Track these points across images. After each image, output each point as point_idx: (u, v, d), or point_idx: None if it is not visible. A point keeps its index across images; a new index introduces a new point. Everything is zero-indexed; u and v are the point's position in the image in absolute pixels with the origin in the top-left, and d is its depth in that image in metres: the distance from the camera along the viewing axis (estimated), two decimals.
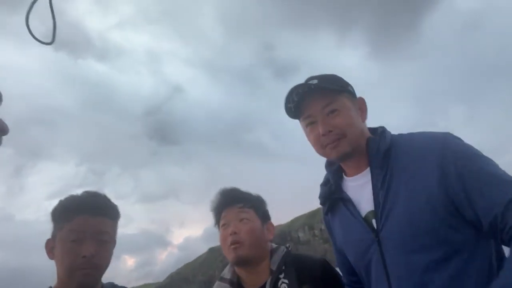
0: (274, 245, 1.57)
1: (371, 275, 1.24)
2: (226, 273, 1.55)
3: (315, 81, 1.27)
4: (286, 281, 1.41)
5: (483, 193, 1.05)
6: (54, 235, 1.28)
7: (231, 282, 1.50)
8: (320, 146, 1.29)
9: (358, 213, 1.26)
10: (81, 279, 1.21)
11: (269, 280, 1.42)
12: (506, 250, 1.15)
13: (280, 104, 1.33)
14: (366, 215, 1.24)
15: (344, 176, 1.37)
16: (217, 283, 1.54)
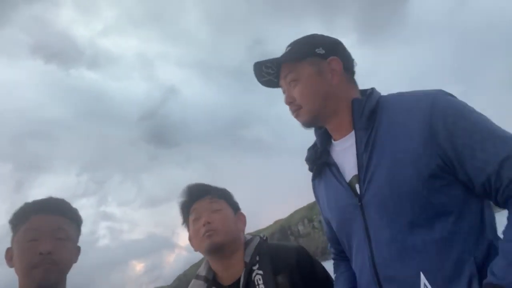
0: (248, 237, 1.52)
1: (353, 242, 1.18)
2: (202, 270, 1.49)
3: (278, 58, 1.27)
4: (260, 272, 1.36)
5: (475, 151, 0.96)
6: (12, 241, 1.24)
7: (205, 279, 1.45)
8: (292, 114, 1.29)
9: (343, 178, 1.19)
10: (41, 276, 1.15)
11: (243, 273, 1.36)
12: (500, 214, 1.07)
13: (276, 99, 1.34)
14: (350, 180, 1.17)
15: (332, 140, 1.30)
16: (193, 281, 1.49)
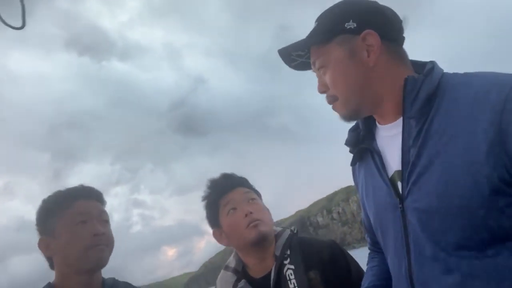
0: (278, 229, 1.47)
1: (389, 244, 1.04)
2: (231, 261, 1.46)
3: (301, 41, 1.06)
4: (292, 266, 1.31)
5: None
6: (50, 229, 1.22)
7: (235, 271, 1.42)
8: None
9: (385, 171, 1.02)
10: (98, 256, 1.20)
11: (274, 267, 1.32)
12: None
13: (303, 87, 1.17)
14: (393, 175, 1.00)
15: (377, 124, 1.09)
16: (222, 272, 1.46)
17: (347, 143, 1.17)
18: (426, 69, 0.95)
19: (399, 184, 0.96)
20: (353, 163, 1.20)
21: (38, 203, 1.29)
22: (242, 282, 1.36)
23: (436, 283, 0.88)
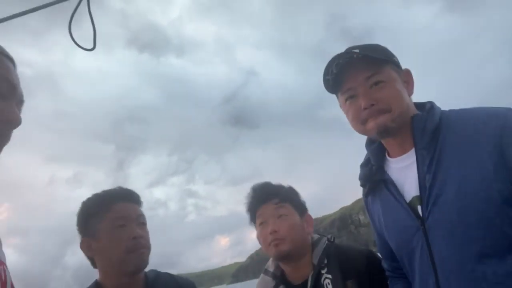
0: (315, 236, 1.53)
1: (415, 265, 1.12)
2: (270, 265, 1.54)
3: (357, 51, 1.11)
4: (329, 276, 1.35)
5: None
6: (92, 231, 1.28)
7: (274, 276, 1.49)
8: (360, 121, 1.14)
9: (402, 197, 1.13)
10: (138, 259, 1.24)
11: (310, 275, 1.38)
12: None
13: None
14: (411, 200, 1.11)
15: (387, 157, 1.22)
16: (261, 276, 1.54)
17: (361, 177, 1.30)
18: (426, 108, 1.14)
19: (419, 208, 1.08)
20: (366, 195, 1.33)
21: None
22: (281, 287, 1.44)
23: None
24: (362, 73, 1.11)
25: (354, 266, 1.37)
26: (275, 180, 1.57)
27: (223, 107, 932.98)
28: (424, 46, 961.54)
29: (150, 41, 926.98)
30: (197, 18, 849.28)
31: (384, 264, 1.38)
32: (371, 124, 1.12)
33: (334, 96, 1.26)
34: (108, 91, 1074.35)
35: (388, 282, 1.37)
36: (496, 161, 0.96)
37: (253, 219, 1.55)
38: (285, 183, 1.58)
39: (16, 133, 0.75)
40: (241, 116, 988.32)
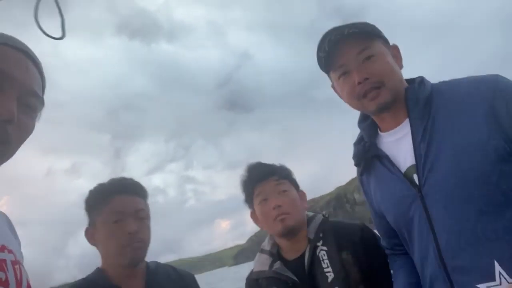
0: (310, 214, 1.56)
1: (414, 234, 1.14)
2: (266, 244, 1.57)
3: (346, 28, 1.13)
4: (324, 248, 1.40)
5: None
6: (92, 222, 1.33)
7: (270, 253, 1.52)
8: (356, 97, 1.15)
9: (397, 169, 1.15)
10: (133, 254, 1.27)
11: (307, 249, 1.42)
12: None
13: None
14: (406, 171, 1.13)
15: (379, 132, 1.25)
16: (258, 254, 1.57)
17: (355, 156, 1.31)
18: (417, 81, 1.17)
19: (415, 177, 1.10)
20: (361, 173, 1.34)
21: (102, 180, 1.39)
22: (278, 263, 1.46)
23: (466, 253, 1.01)
24: (353, 49, 1.13)
25: (348, 238, 1.41)
26: (275, 160, 1.57)
27: (217, 92, 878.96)
28: (417, 21, 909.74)
29: (140, 27, 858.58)
30: (186, 1, 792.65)
31: (383, 242, 1.40)
32: (370, 103, 1.14)
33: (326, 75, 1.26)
34: (100, 79, 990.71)
35: (388, 260, 1.39)
36: (489, 121, 1.00)
37: (249, 198, 1.56)
38: (285, 163, 1.59)
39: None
40: (236, 100, 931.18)
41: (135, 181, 1.40)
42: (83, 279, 1.32)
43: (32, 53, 0.78)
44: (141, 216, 1.32)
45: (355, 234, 1.43)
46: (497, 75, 1.06)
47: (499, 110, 1.00)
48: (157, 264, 1.43)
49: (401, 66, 1.20)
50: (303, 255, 1.43)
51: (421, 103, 1.11)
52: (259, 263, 1.53)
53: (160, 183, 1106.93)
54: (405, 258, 1.28)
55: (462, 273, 1.02)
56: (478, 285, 0.98)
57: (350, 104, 1.21)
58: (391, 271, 1.38)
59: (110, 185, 1.35)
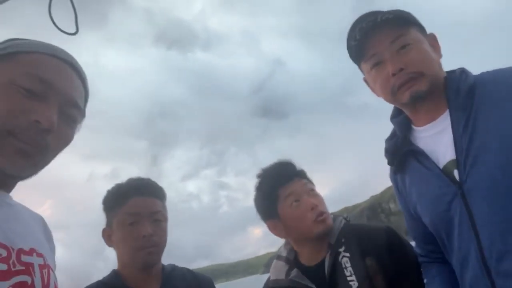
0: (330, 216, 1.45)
1: (453, 236, 1.02)
2: (282, 250, 1.48)
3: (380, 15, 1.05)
4: (347, 254, 1.29)
5: None
6: (109, 222, 1.32)
7: (287, 260, 1.42)
8: (390, 90, 1.06)
9: (435, 165, 1.04)
10: (146, 258, 1.25)
11: (328, 255, 1.31)
12: None
13: None
14: (445, 166, 1.02)
15: (413, 127, 1.14)
16: (274, 261, 1.47)
17: (387, 152, 1.20)
18: (457, 72, 1.07)
19: (456, 172, 1.00)
20: (394, 172, 1.23)
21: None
22: (295, 271, 1.35)
23: (510, 255, 0.90)
24: (387, 37, 1.04)
25: (373, 242, 1.29)
26: (307, 168, 1.46)
27: (251, 99, 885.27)
28: (458, 24, 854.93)
29: (177, 37, 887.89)
30: (220, 10, 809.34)
31: (417, 249, 1.30)
32: (404, 93, 1.05)
33: (363, 82, 1.20)
34: (138, 88, 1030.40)
35: (420, 268, 1.29)
36: None
37: (272, 204, 1.40)
38: (316, 172, 1.53)
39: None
40: (270, 107, 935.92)
41: (152, 182, 1.37)
42: (99, 281, 1.32)
43: (79, 65, 0.83)
44: (157, 218, 1.30)
45: (380, 238, 1.31)
46: None
47: None
48: (174, 267, 1.41)
49: (440, 56, 1.10)
50: (323, 262, 1.32)
51: (463, 93, 1.01)
52: (275, 270, 1.44)
53: (194, 189, 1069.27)
54: (442, 266, 1.17)
55: (507, 278, 0.91)
56: None
57: (383, 97, 1.13)
58: (424, 280, 1.26)
59: (127, 186, 1.34)
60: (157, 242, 1.28)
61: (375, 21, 1.03)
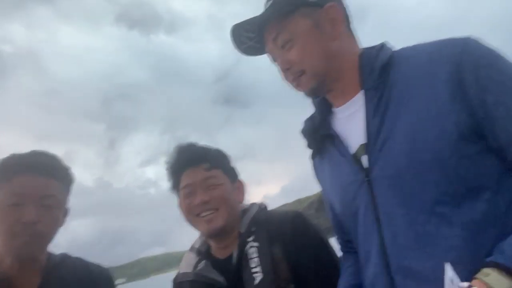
0: (246, 205, 1.35)
1: (359, 227, 0.95)
2: (196, 242, 1.37)
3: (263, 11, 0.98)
4: (256, 244, 1.20)
5: (511, 111, 0.78)
6: None
7: (198, 252, 1.32)
8: (291, 83, 1.03)
9: (347, 150, 0.96)
10: (20, 248, 1.05)
11: (237, 245, 1.22)
12: None
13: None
14: (356, 151, 0.94)
15: (333, 108, 1.05)
16: (186, 253, 1.36)
17: (304, 132, 1.10)
18: (376, 48, 0.97)
19: (365, 158, 0.90)
20: (313, 156, 1.14)
21: (94, 170, 1.22)
22: (202, 263, 1.27)
23: (414, 252, 0.82)
24: (270, 34, 0.99)
25: (279, 229, 1.21)
26: (269, 158, 1.32)
27: (215, 86, 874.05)
28: (418, 24, 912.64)
29: (140, 17, 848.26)
30: None
31: (337, 239, 1.21)
32: (300, 89, 1.01)
33: None
34: (97, 68, 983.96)
35: (333, 257, 1.23)
36: (452, 90, 0.81)
37: (175, 186, 1.31)
38: (279, 162, 1.39)
39: (6, 112, 0.59)
40: (234, 95, 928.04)
41: (52, 159, 1.16)
42: None
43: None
44: (48, 204, 1.09)
45: (286, 225, 1.21)
46: (468, 37, 0.86)
47: (465, 77, 0.80)
48: (64, 258, 1.21)
49: (337, 33, 0.97)
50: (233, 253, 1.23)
51: (376, 71, 0.91)
52: (185, 263, 1.32)
53: (152, 176, 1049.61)
54: (356, 256, 1.05)
55: (406, 276, 0.83)
56: None
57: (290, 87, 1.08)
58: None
59: (19, 159, 1.11)
60: (40, 232, 1.07)
61: (259, 18, 0.98)
